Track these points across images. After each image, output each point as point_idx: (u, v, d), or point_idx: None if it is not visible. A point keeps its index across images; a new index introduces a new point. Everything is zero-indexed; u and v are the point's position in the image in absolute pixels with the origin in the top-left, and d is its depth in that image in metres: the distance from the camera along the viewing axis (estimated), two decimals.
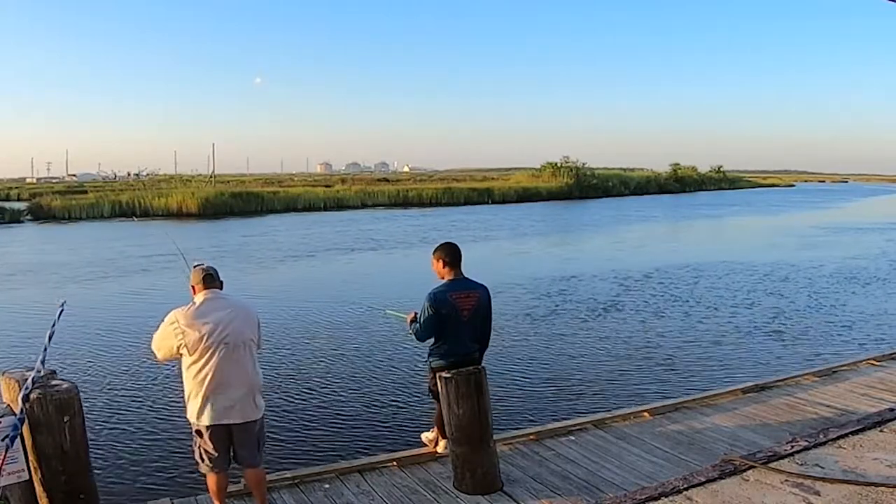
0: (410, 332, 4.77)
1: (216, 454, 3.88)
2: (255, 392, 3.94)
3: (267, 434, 4.28)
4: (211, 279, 3.96)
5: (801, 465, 3.95)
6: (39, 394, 3.22)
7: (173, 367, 8.62)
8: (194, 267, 4.06)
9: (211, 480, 4.00)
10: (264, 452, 4.15)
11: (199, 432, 3.87)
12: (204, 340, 3.74)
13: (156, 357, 3.94)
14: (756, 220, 37.54)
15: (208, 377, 3.76)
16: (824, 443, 4.31)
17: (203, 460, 3.92)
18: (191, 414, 3.87)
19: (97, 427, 6.77)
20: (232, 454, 3.98)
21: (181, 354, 3.80)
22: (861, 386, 6.72)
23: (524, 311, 12.51)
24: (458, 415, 4.38)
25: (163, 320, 3.87)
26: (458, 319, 4.58)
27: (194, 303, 3.90)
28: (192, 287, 3.99)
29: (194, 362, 3.79)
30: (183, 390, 3.91)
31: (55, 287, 15.41)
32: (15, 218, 35.15)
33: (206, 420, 3.81)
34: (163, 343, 3.83)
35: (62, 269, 18.23)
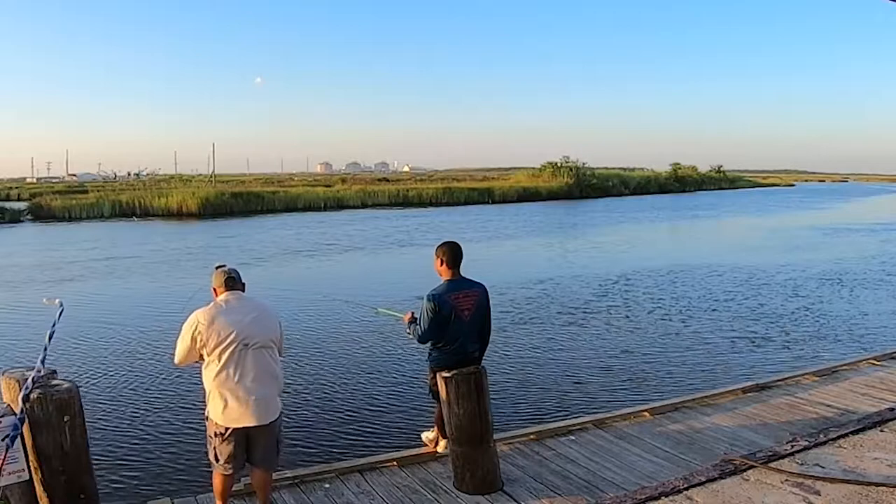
0: (409, 332, 4.77)
1: (232, 456, 3.85)
2: (276, 392, 3.93)
3: None
4: (233, 281, 3.94)
5: (802, 464, 3.95)
6: (40, 394, 3.21)
7: (173, 367, 8.65)
8: (217, 268, 4.03)
9: (218, 481, 3.97)
10: (280, 456, 4.12)
11: (216, 434, 3.84)
12: (223, 342, 3.73)
13: (174, 360, 3.91)
14: (755, 221, 37.49)
15: (229, 378, 3.75)
16: (824, 442, 4.30)
17: (217, 461, 3.89)
18: (210, 413, 3.86)
19: (97, 427, 6.76)
20: (247, 456, 3.94)
21: (203, 357, 3.79)
22: (861, 386, 6.72)
23: (523, 312, 12.50)
24: (458, 415, 4.39)
25: (184, 322, 3.83)
26: (458, 319, 4.58)
27: (215, 303, 3.88)
28: (214, 289, 3.97)
29: (213, 363, 3.77)
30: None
31: (55, 286, 15.40)
32: (15, 218, 35.20)
33: (224, 421, 3.79)
34: (183, 346, 3.81)
35: (62, 269, 18.24)
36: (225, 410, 3.77)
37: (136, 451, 6.41)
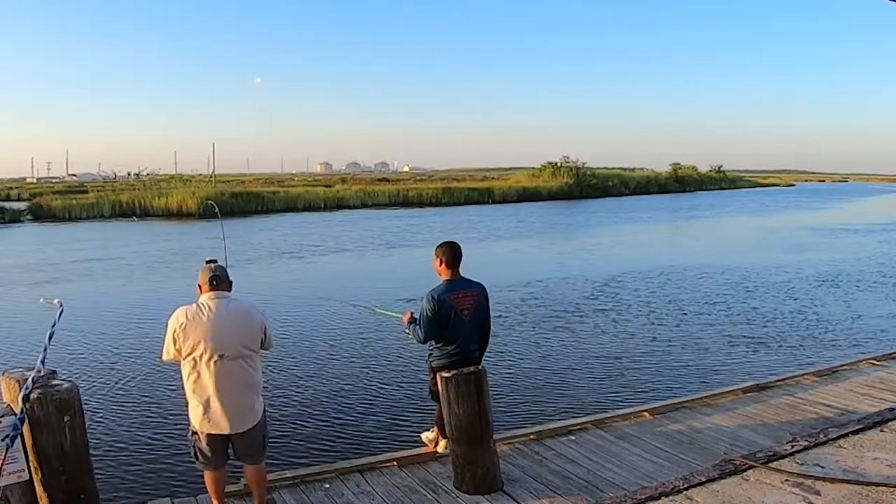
0: (408, 332, 4.77)
1: (210, 455, 3.86)
2: (253, 402, 3.87)
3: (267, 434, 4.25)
4: (218, 280, 3.85)
5: (802, 464, 3.95)
6: (40, 394, 3.21)
7: (173, 367, 8.65)
8: (206, 263, 3.97)
9: (207, 477, 3.98)
10: (266, 450, 4.11)
11: (193, 433, 3.86)
12: (199, 350, 3.69)
13: (161, 357, 3.88)
14: (754, 222, 37.46)
15: (203, 387, 3.72)
16: (824, 442, 4.30)
17: (198, 458, 3.90)
18: (189, 414, 3.86)
19: (97, 427, 6.77)
20: (232, 451, 3.95)
21: (180, 356, 3.77)
22: (861, 386, 6.72)
23: (524, 312, 12.51)
24: (458, 415, 4.38)
25: (169, 318, 3.80)
26: (458, 319, 4.58)
27: (196, 305, 3.82)
28: (199, 286, 3.90)
29: (190, 369, 3.74)
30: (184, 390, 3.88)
31: (56, 286, 15.40)
32: (15, 218, 35.21)
33: (199, 426, 3.79)
34: (167, 344, 3.78)
35: (62, 269, 18.22)
36: (201, 417, 3.76)
37: (136, 451, 6.41)
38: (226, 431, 3.79)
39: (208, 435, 3.80)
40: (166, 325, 3.80)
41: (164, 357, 3.84)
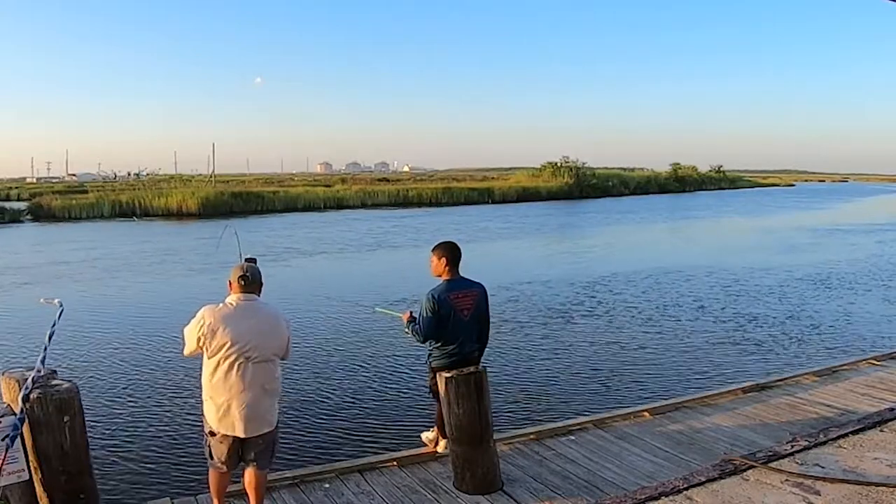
0: (408, 331, 4.77)
1: (223, 456, 3.85)
2: (273, 407, 3.88)
3: None
4: (246, 281, 3.82)
5: (802, 464, 3.94)
6: (39, 394, 3.21)
7: (173, 367, 8.66)
8: (245, 259, 3.96)
9: (214, 477, 3.97)
10: (274, 458, 4.09)
11: (210, 433, 3.85)
12: (225, 349, 3.67)
13: (182, 350, 3.87)
14: (754, 223, 37.44)
15: (226, 389, 3.71)
16: (824, 442, 4.29)
17: (211, 457, 3.90)
18: (205, 413, 3.85)
19: (97, 427, 6.76)
20: (240, 454, 3.93)
21: (203, 351, 3.76)
22: (861, 386, 6.72)
23: (524, 312, 12.50)
24: (458, 414, 4.39)
25: (193, 317, 3.78)
26: (458, 319, 4.58)
27: (225, 304, 3.79)
28: (229, 283, 3.88)
29: (213, 369, 3.73)
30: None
31: (55, 286, 15.38)
32: (15, 218, 35.18)
33: (216, 427, 3.78)
34: (189, 339, 3.76)
35: (63, 269, 18.21)
36: (218, 417, 3.75)
37: (136, 451, 6.41)
38: (243, 434, 3.77)
39: (224, 436, 3.79)
40: (190, 321, 3.78)
41: (186, 351, 3.82)
